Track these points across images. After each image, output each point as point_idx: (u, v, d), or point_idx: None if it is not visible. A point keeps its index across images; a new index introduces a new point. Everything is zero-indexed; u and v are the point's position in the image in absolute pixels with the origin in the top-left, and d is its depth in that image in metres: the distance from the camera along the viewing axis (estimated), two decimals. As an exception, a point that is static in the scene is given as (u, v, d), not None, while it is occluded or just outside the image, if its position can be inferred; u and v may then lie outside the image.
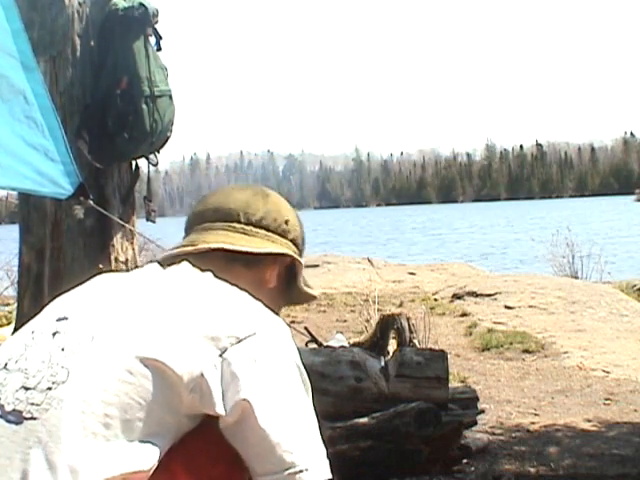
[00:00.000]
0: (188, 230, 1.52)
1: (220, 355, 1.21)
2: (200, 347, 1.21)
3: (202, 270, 1.39)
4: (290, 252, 1.49)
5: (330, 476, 1.24)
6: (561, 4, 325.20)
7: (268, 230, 1.48)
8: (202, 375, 1.19)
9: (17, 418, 1.17)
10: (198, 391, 1.19)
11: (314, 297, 1.59)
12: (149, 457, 1.18)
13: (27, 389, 1.19)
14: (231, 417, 1.20)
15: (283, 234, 1.50)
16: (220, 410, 1.19)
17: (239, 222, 1.47)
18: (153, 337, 1.22)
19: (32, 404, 1.17)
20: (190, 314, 1.25)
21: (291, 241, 1.51)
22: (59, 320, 1.29)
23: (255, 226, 1.47)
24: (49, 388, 1.18)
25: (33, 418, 1.16)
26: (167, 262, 1.43)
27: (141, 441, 1.18)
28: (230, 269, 1.41)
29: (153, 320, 1.24)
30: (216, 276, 1.37)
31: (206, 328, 1.23)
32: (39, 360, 1.22)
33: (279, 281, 1.49)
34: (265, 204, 1.50)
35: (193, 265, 1.40)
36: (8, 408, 1.19)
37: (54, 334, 1.26)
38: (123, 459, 1.16)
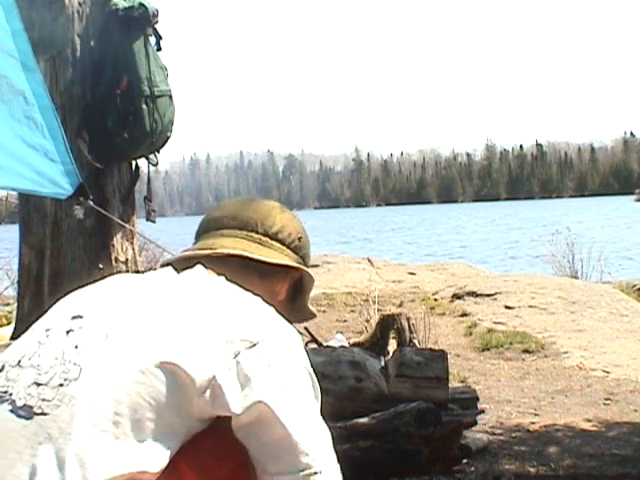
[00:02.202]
0: (202, 234, 1.53)
1: (234, 358, 1.22)
2: (213, 350, 1.22)
3: (217, 274, 1.40)
4: (305, 268, 1.53)
5: None
6: (561, 4, 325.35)
7: (283, 244, 1.52)
8: (215, 378, 1.21)
9: (28, 413, 1.18)
10: (210, 394, 1.21)
11: (315, 315, 1.63)
12: (157, 458, 1.18)
13: (39, 385, 1.20)
14: (246, 417, 1.21)
15: (295, 250, 1.54)
16: (236, 409, 1.21)
17: (257, 232, 1.50)
18: (167, 339, 1.23)
19: (43, 400, 1.18)
20: (204, 317, 1.27)
21: (301, 258, 1.55)
22: (74, 318, 1.30)
23: (271, 238, 1.51)
24: (61, 385, 1.20)
25: (44, 414, 1.17)
26: (181, 264, 1.44)
27: (150, 441, 1.18)
28: (244, 277, 1.43)
29: (167, 322, 1.26)
30: (229, 281, 1.38)
31: (220, 331, 1.24)
32: (52, 357, 1.24)
33: (286, 295, 1.52)
34: (282, 219, 1.54)
35: (207, 268, 1.42)
36: (19, 403, 1.20)
37: (68, 332, 1.27)
38: (131, 458, 1.16)
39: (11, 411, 1.19)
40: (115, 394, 1.18)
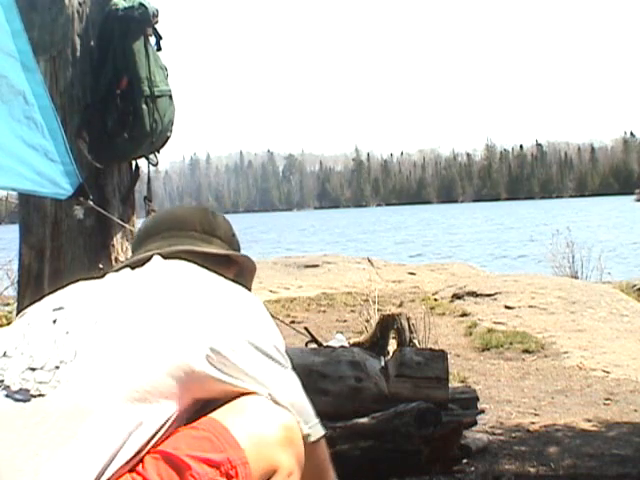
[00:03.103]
0: (144, 241, 1.63)
1: (207, 341, 1.30)
2: (191, 334, 1.30)
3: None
4: (246, 255, 1.67)
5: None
6: (561, 4, 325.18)
7: (220, 239, 1.65)
8: (193, 360, 1.28)
9: (24, 396, 1.21)
10: (204, 363, 1.29)
11: None
12: (153, 426, 1.24)
13: (34, 370, 1.24)
14: (230, 388, 1.31)
15: (231, 244, 1.67)
16: (222, 377, 1.30)
17: (196, 231, 1.63)
18: (155, 319, 1.30)
19: (40, 382, 1.22)
20: (181, 303, 1.34)
21: (237, 250, 1.69)
22: (55, 310, 1.35)
23: (210, 235, 1.64)
24: (57, 367, 1.24)
25: (41, 395, 1.21)
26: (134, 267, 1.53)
27: (146, 413, 1.23)
28: None
29: (150, 304, 1.33)
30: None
31: (192, 318, 1.32)
32: (43, 344, 1.28)
33: None
34: (215, 219, 1.69)
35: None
36: (14, 388, 1.23)
37: (54, 321, 1.32)
38: (134, 429, 1.21)
39: (7, 396, 1.22)
40: (113, 372, 1.23)
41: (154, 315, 1.30)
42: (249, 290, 1.63)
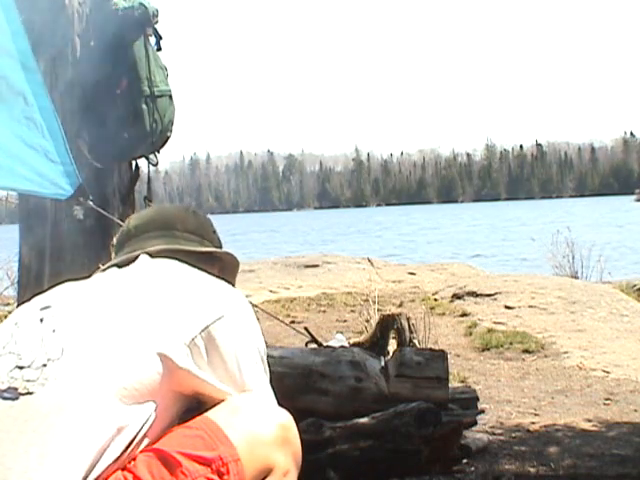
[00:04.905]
0: (126, 242, 1.65)
1: (192, 339, 1.32)
2: (174, 331, 1.31)
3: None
4: (229, 252, 1.70)
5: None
6: (561, 4, 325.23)
7: (202, 237, 1.67)
8: (190, 343, 1.31)
9: (13, 394, 1.22)
10: (189, 356, 1.31)
11: None
12: (141, 420, 1.25)
13: (21, 368, 1.25)
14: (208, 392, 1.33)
15: (212, 242, 1.70)
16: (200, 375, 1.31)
17: (178, 230, 1.65)
18: (142, 314, 1.32)
19: (28, 380, 1.23)
20: (164, 301, 1.36)
21: (219, 248, 1.72)
22: (43, 309, 1.36)
23: (192, 234, 1.66)
24: (44, 365, 1.24)
25: (29, 393, 1.22)
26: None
27: (132, 408, 1.24)
28: None
29: (133, 306, 1.34)
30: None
31: (178, 315, 1.33)
32: (31, 342, 1.28)
33: None
34: (196, 218, 1.71)
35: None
36: (3, 386, 1.24)
37: (42, 320, 1.33)
38: (119, 426, 1.21)
39: None
40: (99, 368, 1.24)
41: (139, 311, 1.32)
42: (233, 285, 1.65)
